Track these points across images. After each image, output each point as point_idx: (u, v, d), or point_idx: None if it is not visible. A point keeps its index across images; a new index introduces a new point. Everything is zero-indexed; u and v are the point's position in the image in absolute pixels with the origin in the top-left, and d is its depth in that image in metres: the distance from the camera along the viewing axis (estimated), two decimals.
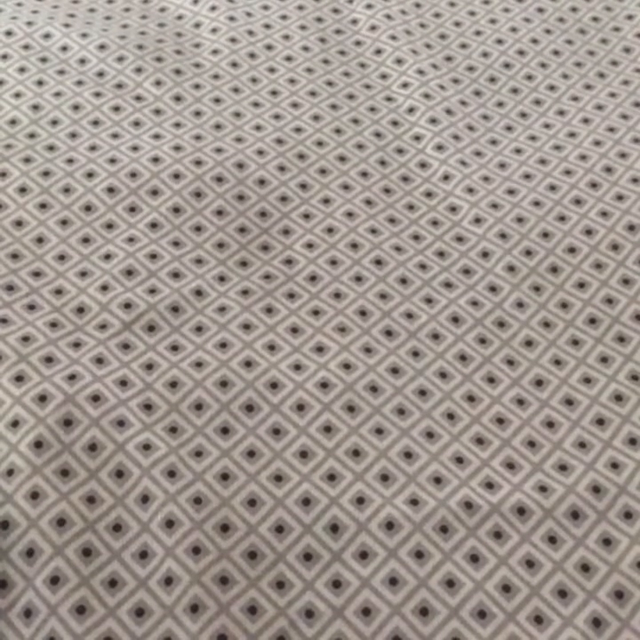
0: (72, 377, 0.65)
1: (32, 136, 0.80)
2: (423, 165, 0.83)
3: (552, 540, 0.62)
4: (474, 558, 0.61)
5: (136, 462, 0.62)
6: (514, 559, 0.61)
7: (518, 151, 0.84)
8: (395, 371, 0.69)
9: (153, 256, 0.74)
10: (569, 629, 0.59)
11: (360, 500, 0.62)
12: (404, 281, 0.75)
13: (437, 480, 0.64)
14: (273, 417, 0.65)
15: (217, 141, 0.82)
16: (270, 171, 0.80)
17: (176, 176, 0.78)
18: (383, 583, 0.60)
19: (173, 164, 0.79)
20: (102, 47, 0.87)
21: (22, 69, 0.85)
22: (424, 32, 0.94)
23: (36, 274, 0.72)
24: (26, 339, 0.67)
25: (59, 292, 0.71)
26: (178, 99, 0.85)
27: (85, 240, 0.74)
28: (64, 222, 0.75)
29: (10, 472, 0.61)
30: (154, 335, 0.69)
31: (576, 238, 0.78)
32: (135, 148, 0.80)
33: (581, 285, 0.75)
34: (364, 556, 0.60)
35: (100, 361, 0.67)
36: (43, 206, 0.76)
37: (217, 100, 0.86)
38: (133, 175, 0.78)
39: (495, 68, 0.91)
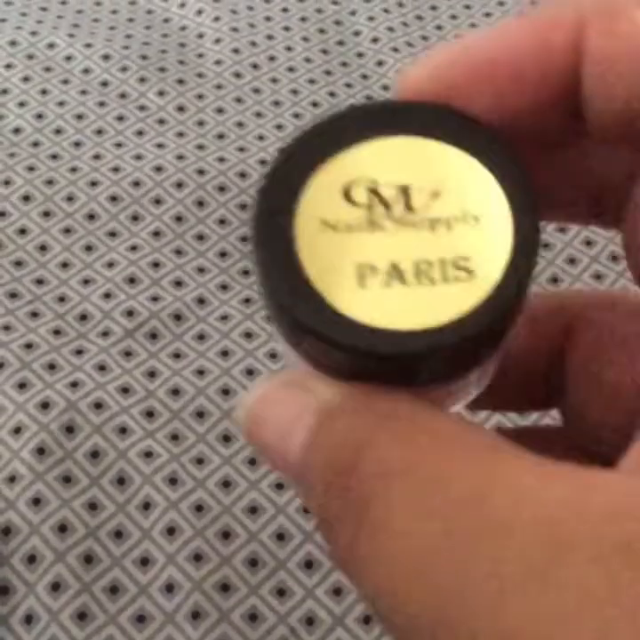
0: (74, 384, 0.65)
1: (36, 145, 0.81)
2: None
3: None
4: None
5: (137, 469, 0.62)
6: None
7: None
8: None
9: (155, 264, 0.74)
10: None
11: None
12: None
13: None
14: None
15: (219, 151, 0.82)
16: None
17: (179, 185, 0.79)
18: None
19: (176, 173, 0.79)
20: (106, 57, 0.88)
21: (26, 79, 0.86)
22: (426, 45, 0.94)
23: (40, 281, 0.72)
24: (29, 346, 0.67)
25: (62, 299, 0.71)
26: (181, 108, 0.85)
27: (88, 248, 0.75)
28: (67, 230, 0.76)
29: (12, 478, 0.61)
30: (156, 343, 0.70)
31: (576, 249, 0.78)
32: (138, 157, 0.81)
33: None
34: None
35: (102, 368, 0.67)
36: (46, 214, 0.76)
37: (220, 110, 0.86)
38: (136, 184, 0.79)
39: None
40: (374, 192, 0.25)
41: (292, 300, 0.24)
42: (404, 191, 0.25)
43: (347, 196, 0.25)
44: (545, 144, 0.28)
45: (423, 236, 0.25)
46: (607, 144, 0.27)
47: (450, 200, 0.25)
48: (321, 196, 0.25)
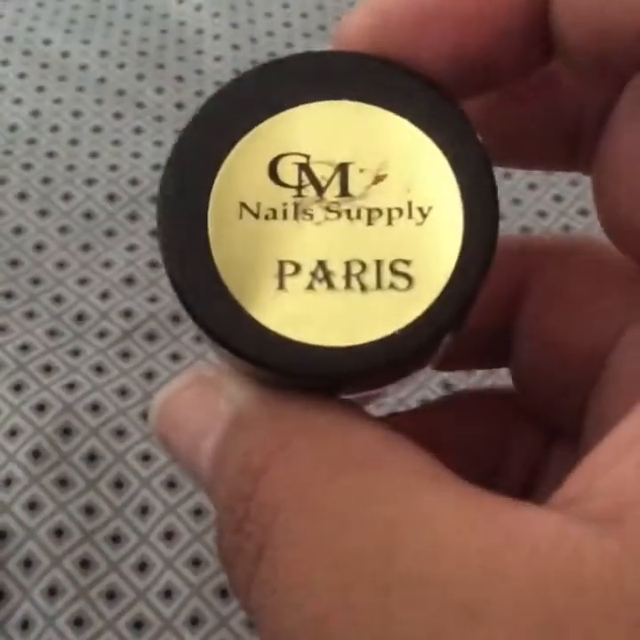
0: (71, 386, 0.64)
1: (32, 142, 0.80)
2: None
3: None
4: None
5: (135, 473, 0.61)
6: None
7: None
8: None
9: (153, 264, 0.73)
10: None
11: None
12: None
13: None
14: None
15: None
16: None
17: None
18: None
19: None
20: (103, 53, 0.87)
21: (22, 75, 0.85)
22: None
23: (35, 281, 0.71)
24: (24, 347, 0.66)
25: (58, 299, 0.70)
26: (179, 105, 0.84)
27: (85, 247, 0.74)
28: (63, 229, 0.75)
29: (7, 482, 0.60)
30: (154, 344, 0.69)
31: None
32: (136, 155, 0.80)
33: None
34: None
35: (99, 369, 0.66)
36: (42, 213, 0.75)
37: None
38: (134, 182, 0.78)
39: None
40: (306, 170, 0.21)
41: (196, 298, 0.21)
42: (342, 171, 0.21)
43: (273, 173, 0.21)
44: (510, 90, 0.25)
45: (359, 230, 0.20)
46: (579, 75, 0.24)
47: (393, 186, 0.20)
48: (242, 173, 0.21)
